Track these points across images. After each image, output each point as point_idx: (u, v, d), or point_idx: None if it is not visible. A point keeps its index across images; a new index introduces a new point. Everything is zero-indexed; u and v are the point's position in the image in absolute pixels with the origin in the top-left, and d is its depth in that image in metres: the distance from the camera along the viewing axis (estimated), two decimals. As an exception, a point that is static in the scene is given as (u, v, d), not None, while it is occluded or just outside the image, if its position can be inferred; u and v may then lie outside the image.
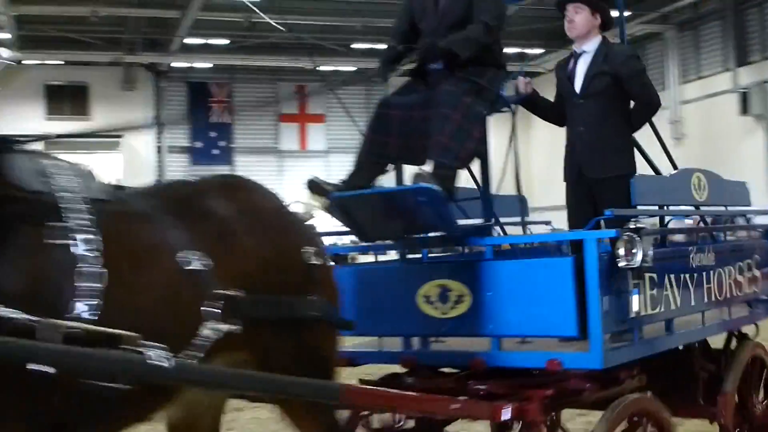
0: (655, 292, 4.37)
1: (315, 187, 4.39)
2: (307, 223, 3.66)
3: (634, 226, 4.12)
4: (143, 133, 32.05)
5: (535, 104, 5.05)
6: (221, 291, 3.02)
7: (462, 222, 4.68)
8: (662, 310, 4.49)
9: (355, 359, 4.74)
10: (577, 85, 4.94)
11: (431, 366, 4.59)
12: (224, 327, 3.01)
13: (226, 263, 3.07)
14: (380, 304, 4.62)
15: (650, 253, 4.08)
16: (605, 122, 4.86)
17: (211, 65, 31.22)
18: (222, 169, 29.09)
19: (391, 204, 4.37)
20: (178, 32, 27.59)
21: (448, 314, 4.37)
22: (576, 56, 5.00)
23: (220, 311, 3.00)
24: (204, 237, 3.06)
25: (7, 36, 26.78)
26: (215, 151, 31.39)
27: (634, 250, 4.05)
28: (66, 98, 30.26)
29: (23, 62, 28.93)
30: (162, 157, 32.02)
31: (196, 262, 2.98)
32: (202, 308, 2.98)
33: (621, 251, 4.07)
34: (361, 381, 4.61)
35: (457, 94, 4.37)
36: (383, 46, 5.24)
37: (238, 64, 30.81)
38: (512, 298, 4.19)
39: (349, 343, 4.84)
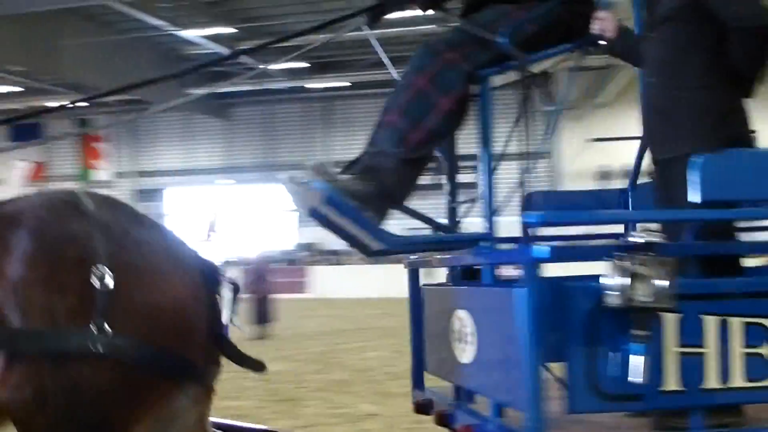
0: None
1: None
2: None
3: (640, 240, 2.51)
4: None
5: (622, 48, 3.17)
6: None
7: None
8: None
9: None
10: (649, 10, 3.06)
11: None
12: None
13: None
14: None
15: (662, 285, 2.43)
16: (679, 67, 2.91)
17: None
18: None
19: None
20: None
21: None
22: None
23: None
24: None
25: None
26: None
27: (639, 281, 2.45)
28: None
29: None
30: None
31: None
32: None
33: (608, 280, 2.49)
34: None
35: (434, 51, 3.05)
36: None
37: None
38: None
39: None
